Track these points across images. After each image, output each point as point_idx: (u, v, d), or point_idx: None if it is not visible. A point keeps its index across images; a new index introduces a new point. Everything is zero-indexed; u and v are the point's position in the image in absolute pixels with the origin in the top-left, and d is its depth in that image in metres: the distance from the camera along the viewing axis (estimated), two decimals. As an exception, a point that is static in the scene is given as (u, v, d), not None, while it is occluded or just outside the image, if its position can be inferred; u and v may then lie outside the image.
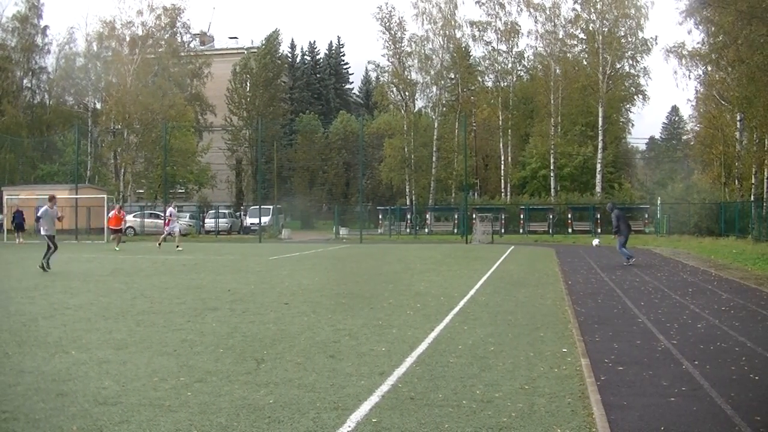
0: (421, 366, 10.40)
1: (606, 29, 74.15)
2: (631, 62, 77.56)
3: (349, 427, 7.49)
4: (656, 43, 75.10)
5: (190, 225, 71.02)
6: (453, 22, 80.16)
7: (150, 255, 37.99)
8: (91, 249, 44.29)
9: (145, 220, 68.76)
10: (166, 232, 46.05)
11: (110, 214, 45.47)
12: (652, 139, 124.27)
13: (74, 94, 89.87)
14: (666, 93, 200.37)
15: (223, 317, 15.09)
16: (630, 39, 75.83)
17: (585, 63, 78.17)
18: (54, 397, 8.60)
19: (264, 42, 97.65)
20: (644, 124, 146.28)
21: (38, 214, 28.60)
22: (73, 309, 16.22)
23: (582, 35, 78.47)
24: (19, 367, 10.28)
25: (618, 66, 76.63)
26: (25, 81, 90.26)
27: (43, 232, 28.29)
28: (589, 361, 10.49)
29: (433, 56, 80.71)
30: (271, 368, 10.25)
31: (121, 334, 13.00)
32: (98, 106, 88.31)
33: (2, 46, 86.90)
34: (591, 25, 75.88)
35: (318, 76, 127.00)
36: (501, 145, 79.21)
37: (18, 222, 51.85)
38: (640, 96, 79.48)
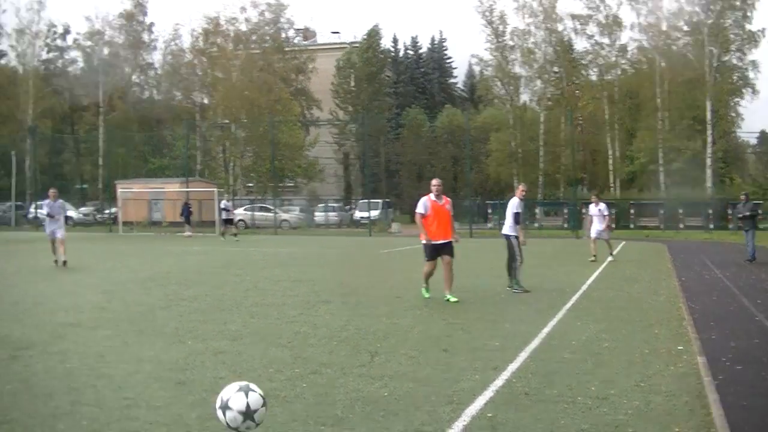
0: (535, 361, 10.34)
1: (711, 21, 72.68)
2: (738, 55, 75.93)
3: (465, 421, 7.47)
4: (764, 36, 73.17)
5: (300, 218, 71.68)
6: (554, 15, 79.50)
7: (261, 248, 38.40)
8: (203, 241, 44.96)
9: (256, 213, 69.48)
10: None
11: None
12: (763, 132, 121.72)
13: (181, 90, 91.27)
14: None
15: (335, 310, 15.18)
16: (737, 31, 74.25)
17: (690, 56, 76.58)
18: (173, 385, 8.77)
19: (365, 37, 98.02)
20: (755, 118, 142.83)
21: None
22: (188, 300, 16.51)
23: (686, 27, 77.00)
24: (138, 355, 10.50)
25: (725, 59, 75.08)
26: (133, 77, 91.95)
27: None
28: (705, 360, 10.25)
29: (536, 50, 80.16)
30: (385, 361, 10.28)
31: (235, 325, 13.18)
32: (205, 101, 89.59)
33: (110, 43, 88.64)
34: (695, 17, 74.47)
35: (422, 70, 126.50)
36: (608, 139, 78.31)
37: (186, 215, 52.87)
38: (750, 89, 77.69)
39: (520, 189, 19.24)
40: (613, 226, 57.60)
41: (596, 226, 29.36)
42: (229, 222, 47.55)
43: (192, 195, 60.49)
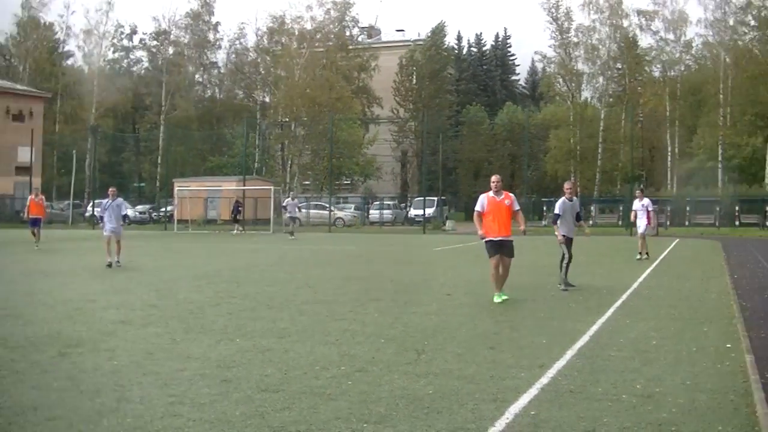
0: (582, 359, 10.33)
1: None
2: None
3: (508, 419, 7.47)
4: (832, 29, 72.91)
5: (354, 216, 71.91)
6: (620, 12, 79.35)
7: (315, 246, 38.55)
8: (258, 239, 45.31)
9: (311, 211, 69.76)
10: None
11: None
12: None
13: (244, 88, 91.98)
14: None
15: (385, 308, 15.20)
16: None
17: (756, 51, 76.00)
18: (219, 383, 8.83)
19: (430, 34, 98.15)
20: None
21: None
22: (238, 298, 16.61)
23: (754, 22, 76.42)
24: (186, 353, 10.58)
25: (792, 53, 74.46)
26: (197, 76, 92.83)
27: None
28: (753, 358, 10.16)
29: (600, 46, 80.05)
30: (432, 359, 10.29)
31: (284, 323, 13.24)
32: (267, 99, 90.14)
33: (176, 42, 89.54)
34: (764, 11, 73.78)
35: (484, 67, 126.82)
36: (668, 136, 77.90)
37: (235, 213, 53.30)
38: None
39: (565, 187, 19.13)
40: (668, 224, 57.46)
41: (640, 222, 28.93)
42: (293, 220, 47.30)
43: (249, 193, 60.84)
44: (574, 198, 18.89)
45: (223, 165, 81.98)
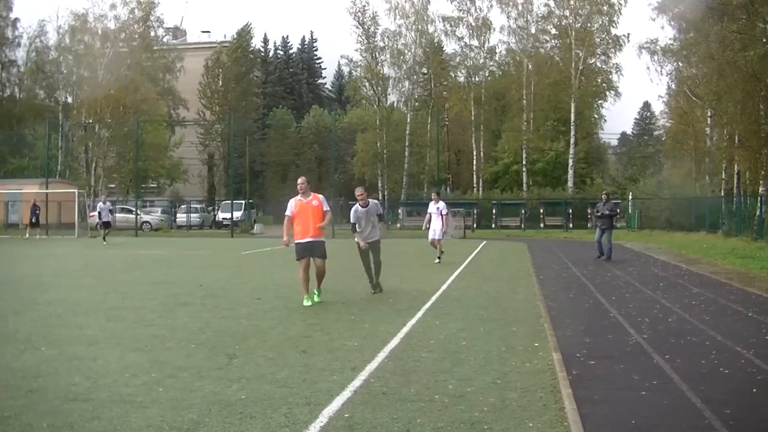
0: (394, 361, 10.41)
1: (579, 25, 74.27)
2: (603, 58, 77.90)
3: (322, 422, 7.49)
4: (628, 41, 75.43)
5: (161, 220, 70.89)
6: (425, 17, 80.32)
7: (122, 250, 37.84)
8: (62, 244, 44.16)
9: (117, 215, 68.43)
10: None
11: None
12: (623, 134, 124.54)
13: (45, 88, 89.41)
14: (638, 89, 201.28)
15: (194, 312, 15.04)
16: (603, 35, 76.05)
17: (557, 59, 78.24)
18: (24, 394, 8.54)
19: (236, 36, 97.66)
20: (616, 120, 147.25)
21: None
22: (43, 305, 16.13)
23: (554, 31, 78.66)
24: (-13, 364, 10.21)
25: (590, 62, 76.74)
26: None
27: None
28: (560, 356, 10.49)
29: (406, 51, 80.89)
30: (243, 363, 10.24)
31: (92, 329, 12.94)
32: (69, 100, 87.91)
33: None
34: (564, 20, 76.02)
35: (291, 70, 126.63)
36: (473, 140, 79.30)
37: (33, 217, 51.48)
38: (612, 92, 79.92)
39: (356, 194, 18.44)
40: (475, 226, 58.65)
41: (435, 225, 28.67)
42: (106, 225, 45.85)
43: (52, 196, 59.27)
44: (370, 202, 18.46)
45: (25, 167, 79.67)
